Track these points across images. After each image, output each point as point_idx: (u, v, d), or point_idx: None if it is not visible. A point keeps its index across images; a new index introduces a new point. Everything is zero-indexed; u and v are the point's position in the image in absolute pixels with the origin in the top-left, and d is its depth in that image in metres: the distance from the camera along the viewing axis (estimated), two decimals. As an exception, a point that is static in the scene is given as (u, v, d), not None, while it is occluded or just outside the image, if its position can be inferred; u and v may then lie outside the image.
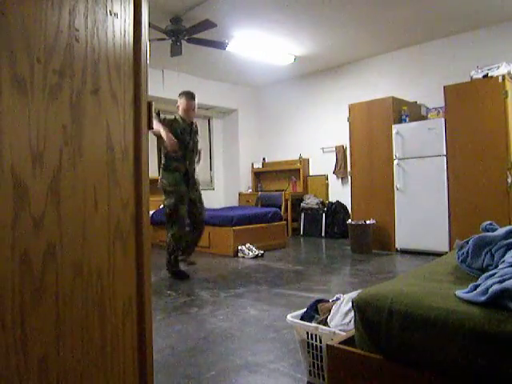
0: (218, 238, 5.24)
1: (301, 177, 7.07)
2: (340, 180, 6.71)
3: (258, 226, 5.43)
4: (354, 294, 1.63)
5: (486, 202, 4.20)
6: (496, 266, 1.24)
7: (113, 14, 0.96)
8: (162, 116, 3.65)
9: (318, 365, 1.65)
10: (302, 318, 1.81)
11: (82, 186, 0.89)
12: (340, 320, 1.63)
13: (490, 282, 1.06)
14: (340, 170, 6.62)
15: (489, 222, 1.62)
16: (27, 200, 0.79)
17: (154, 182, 6.15)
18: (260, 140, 7.96)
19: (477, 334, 0.96)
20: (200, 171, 7.69)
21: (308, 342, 1.68)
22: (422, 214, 4.70)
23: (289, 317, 1.79)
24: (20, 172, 0.78)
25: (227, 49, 5.13)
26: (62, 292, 0.85)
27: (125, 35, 0.99)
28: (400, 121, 4.97)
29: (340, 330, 1.54)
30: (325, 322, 1.70)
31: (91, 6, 0.91)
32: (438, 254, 4.01)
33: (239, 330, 2.37)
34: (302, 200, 6.93)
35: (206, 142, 7.98)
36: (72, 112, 0.87)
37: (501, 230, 1.41)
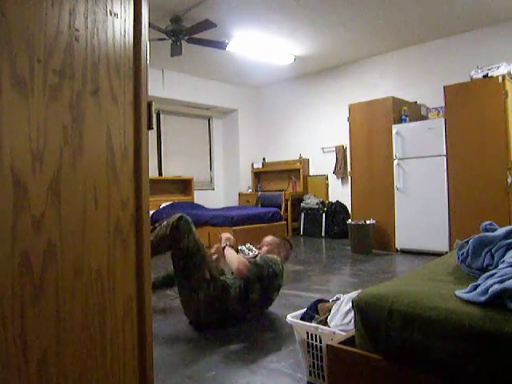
0: (218, 238, 5.23)
1: (301, 177, 7.07)
2: (340, 180, 6.70)
3: (258, 225, 5.43)
4: (353, 294, 1.63)
5: (486, 202, 4.20)
6: (496, 266, 1.24)
7: (113, 14, 0.96)
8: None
9: (318, 365, 1.65)
10: (302, 317, 1.81)
11: (82, 186, 0.89)
12: (340, 320, 1.63)
13: (490, 281, 1.06)
14: (340, 169, 6.62)
15: (489, 222, 1.62)
16: (27, 200, 0.79)
17: (153, 181, 6.18)
18: (260, 140, 7.95)
19: (477, 334, 0.96)
20: (200, 171, 7.78)
21: (308, 342, 1.68)
22: (421, 213, 4.70)
23: (289, 317, 1.79)
24: (20, 172, 0.77)
25: (227, 49, 5.13)
26: (62, 292, 0.85)
27: (125, 35, 0.99)
28: (400, 121, 4.97)
29: (340, 330, 1.54)
30: (325, 322, 1.70)
31: (91, 6, 0.91)
32: (438, 254, 4.01)
33: (239, 330, 2.37)
34: (302, 200, 6.93)
35: (206, 142, 7.99)
36: (72, 112, 0.87)
37: (501, 230, 1.41)
